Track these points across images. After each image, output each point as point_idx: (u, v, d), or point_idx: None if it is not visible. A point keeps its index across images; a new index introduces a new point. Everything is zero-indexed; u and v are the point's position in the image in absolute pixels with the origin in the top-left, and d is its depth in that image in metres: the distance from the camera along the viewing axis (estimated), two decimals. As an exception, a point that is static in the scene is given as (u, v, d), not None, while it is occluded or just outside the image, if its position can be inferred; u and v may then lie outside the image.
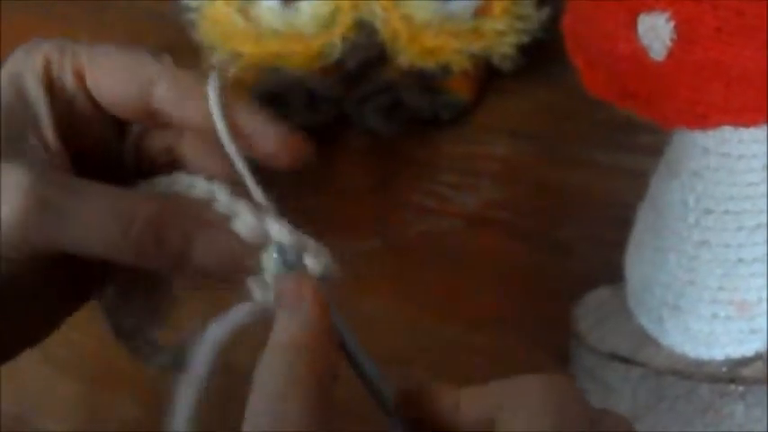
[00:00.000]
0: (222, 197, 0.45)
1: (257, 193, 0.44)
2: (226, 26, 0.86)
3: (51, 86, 0.46)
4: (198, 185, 0.45)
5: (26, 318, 0.46)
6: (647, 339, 0.60)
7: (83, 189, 0.43)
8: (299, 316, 0.41)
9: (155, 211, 0.43)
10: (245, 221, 0.44)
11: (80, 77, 0.46)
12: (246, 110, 0.45)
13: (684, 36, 0.48)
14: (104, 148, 0.48)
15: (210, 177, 0.45)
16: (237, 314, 0.43)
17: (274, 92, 0.82)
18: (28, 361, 0.69)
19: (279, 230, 0.43)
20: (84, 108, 0.46)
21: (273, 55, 0.84)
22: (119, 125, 0.48)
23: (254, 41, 0.84)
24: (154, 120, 0.46)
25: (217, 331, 0.43)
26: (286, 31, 0.84)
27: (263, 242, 0.44)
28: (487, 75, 0.84)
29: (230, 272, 0.44)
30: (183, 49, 0.90)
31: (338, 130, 0.83)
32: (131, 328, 0.48)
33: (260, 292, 0.44)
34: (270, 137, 0.46)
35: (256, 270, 0.43)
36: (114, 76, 0.46)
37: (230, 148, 0.44)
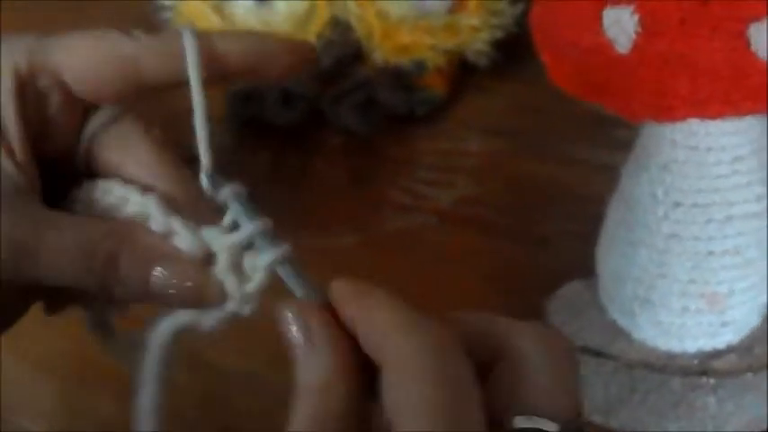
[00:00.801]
0: (156, 214, 0.45)
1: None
2: (201, 24, 0.86)
3: (22, 95, 0.45)
4: (132, 200, 0.45)
5: None
6: (619, 333, 0.60)
7: (51, 223, 0.43)
8: (317, 356, 0.40)
9: (115, 246, 0.43)
10: (184, 239, 0.44)
11: (55, 75, 0.45)
12: (231, 35, 0.46)
13: (649, 29, 0.49)
14: (70, 146, 0.47)
15: (145, 191, 0.45)
16: (178, 319, 0.44)
17: (250, 90, 0.82)
18: (5, 360, 0.70)
19: (218, 241, 0.44)
20: (59, 108, 0.46)
21: (249, 53, 0.84)
22: (79, 127, 0.47)
23: (230, 40, 0.85)
24: (140, 92, 0.46)
25: (162, 332, 0.44)
26: (261, 29, 0.84)
27: (205, 256, 0.44)
28: (462, 71, 0.84)
29: (189, 305, 0.44)
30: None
31: (314, 128, 0.83)
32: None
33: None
34: (278, 46, 0.47)
35: (215, 293, 0.44)
36: (93, 64, 0.45)
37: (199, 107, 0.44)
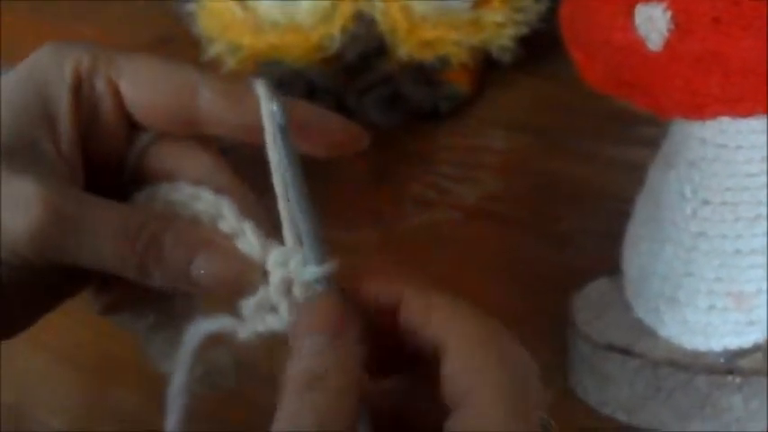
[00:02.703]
0: (228, 213, 0.45)
1: (292, 206, 0.43)
2: (225, 18, 0.86)
3: (79, 89, 0.45)
4: (203, 197, 0.45)
5: (11, 312, 0.46)
6: (644, 331, 0.60)
7: (94, 204, 0.44)
8: (340, 354, 0.41)
9: (159, 229, 0.43)
10: (249, 242, 0.44)
11: (113, 85, 0.46)
12: (303, 105, 0.46)
13: (681, 26, 0.48)
14: (114, 157, 0.48)
15: (217, 191, 0.46)
16: (215, 323, 0.44)
17: (275, 83, 0.81)
18: (24, 351, 0.70)
19: (277, 259, 0.43)
20: (109, 114, 0.46)
21: (273, 47, 0.84)
22: (130, 137, 0.48)
23: (254, 33, 0.85)
24: (191, 128, 0.46)
25: (194, 337, 0.44)
26: (285, 23, 0.84)
27: (263, 264, 0.44)
28: (486, 67, 0.84)
29: (228, 292, 0.44)
30: (182, 42, 0.90)
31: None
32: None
33: (250, 315, 0.44)
34: (335, 126, 0.47)
35: (253, 291, 0.44)
36: (154, 84, 0.45)
37: (275, 152, 0.44)
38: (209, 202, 0.45)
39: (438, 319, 0.41)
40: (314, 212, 0.42)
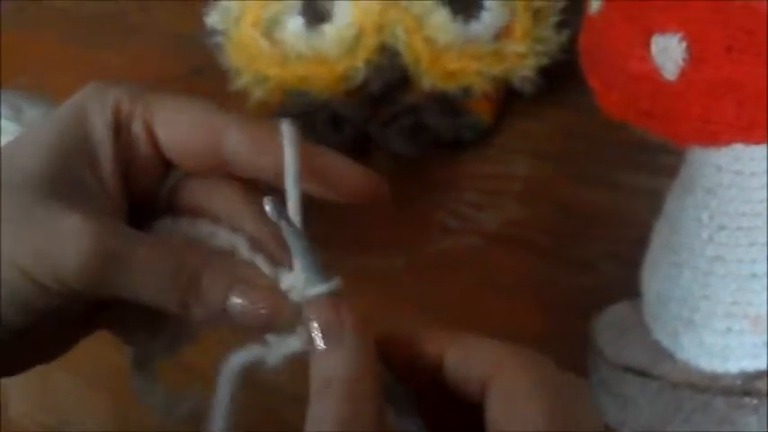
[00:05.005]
0: (242, 250, 0.47)
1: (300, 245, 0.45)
2: (252, 49, 0.87)
3: (118, 130, 0.47)
4: (220, 235, 0.47)
5: (53, 337, 0.48)
6: (663, 353, 0.61)
7: (140, 240, 0.45)
8: (342, 351, 0.42)
9: (197, 266, 0.45)
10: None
11: (148, 127, 0.48)
12: (326, 152, 0.48)
13: (696, 55, 0.49)
14: (149, 194, 0.49)
15: (233, 230, 0.47)
16: (248, 354, 0.46)
17: (299, 114, 0.83)
18: (60, 375, 0.72)
19: (291, 290, 0.45)
20: (145, 154, 0.48)
21: (298, 78, 0.85)
22: (164, 175, 0.49)
23: (280, 65, 0.86)
24: (222, 168, 0.48)
25: (228, 371, 0.46)
26: (311, 55, 0.85)
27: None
28: (508, 97, 0.85)
29: (262, 328, 0.45)
30: (211, 73, 0.91)
31: (362, 152, 0.84)
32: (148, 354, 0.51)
33: (275, 342, 0.46)
34: (356, 174, 0.49)
35: (287, 324, 0.45)
36: (185, 126, 0.48)
37: (296, 193, 0.46)
38: (224, 240, 0.47)
39: (482, 362, 0.43)
40: (305, 241, 0.44)
